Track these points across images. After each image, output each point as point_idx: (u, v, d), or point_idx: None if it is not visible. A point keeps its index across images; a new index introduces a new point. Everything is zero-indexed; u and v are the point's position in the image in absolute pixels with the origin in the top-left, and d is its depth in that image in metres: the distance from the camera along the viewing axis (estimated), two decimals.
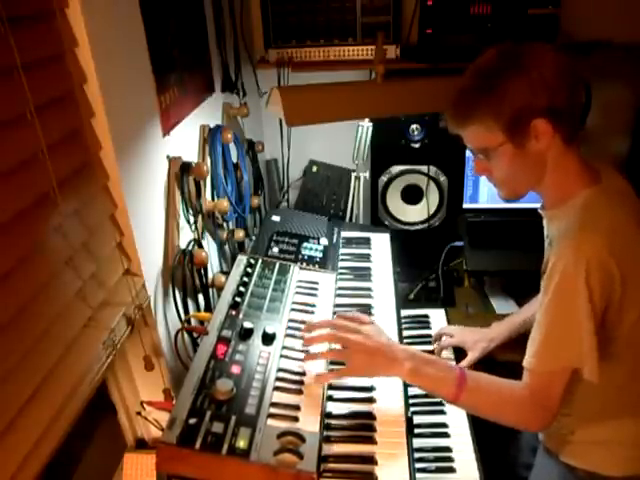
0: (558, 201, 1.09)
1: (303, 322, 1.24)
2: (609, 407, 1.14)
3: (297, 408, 1.02)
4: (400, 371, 1.09)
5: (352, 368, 1.11)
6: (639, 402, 1.14)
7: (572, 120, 1.04)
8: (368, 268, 1.60)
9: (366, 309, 1.42)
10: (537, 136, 1.01)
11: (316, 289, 1.40)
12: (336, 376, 1.14)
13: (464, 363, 1.42)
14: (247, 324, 1.16)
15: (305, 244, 1.59)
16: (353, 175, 1.98)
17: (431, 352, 1.49)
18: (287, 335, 1.19)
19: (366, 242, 1.73)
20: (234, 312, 1.22)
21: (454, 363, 1.43)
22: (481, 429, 1.31)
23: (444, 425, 1.31)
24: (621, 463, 1.15)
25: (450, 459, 1.23)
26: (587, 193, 1.04)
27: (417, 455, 1.20)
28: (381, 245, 1.72)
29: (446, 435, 1.29)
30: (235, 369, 1.06)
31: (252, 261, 1.41)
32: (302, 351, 1.16)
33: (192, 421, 0.93)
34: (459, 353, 1.48)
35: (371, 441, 1.06)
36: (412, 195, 1.96)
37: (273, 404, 1.01)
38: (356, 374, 1.14)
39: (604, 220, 1.01)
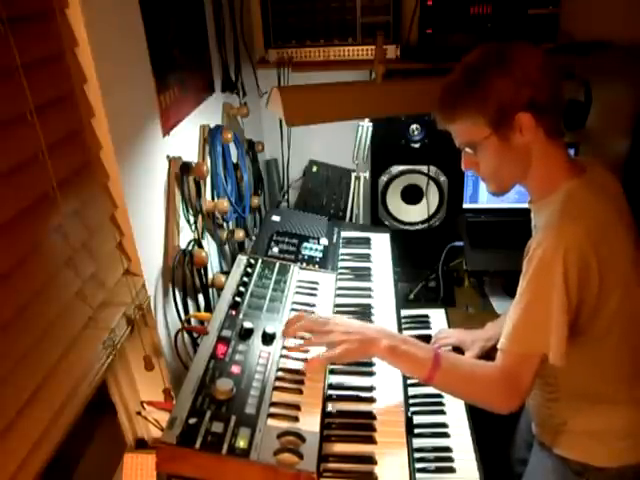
0: (544, 193, 1.12)
1: (295, 346, 1.20)
2: (597, 393, 1.15)
3: (297, 408, 1.02)
4: (378, 349, 1.10)
5: (339, 355, 1.11)
6: (629, 390, 1.15)
7: (555, 115, 1.08)
8: (368, 268, 1.60)
9: (366, 309, 1.42)
10: (521, 129, 1.05)
11: (316, 289, 1.40)
12: (325, 360, 1.13)
13: None
14: (247, 324, 1.16)
15: (305, 244, 1.59)
16: (353, 175, 1.98)
17: None
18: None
19: (366, 242, 1.73)
20: (234, 312, 1.22)
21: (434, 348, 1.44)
22: (481, 429, 1.31)
23: (444, 425, 1.32)
24: (614, 454, 1.16)
25: (450, 459, 1.23)
26: (570, 184, 1.08)
27: (417, 455, 1.20)
28: (381, 245, 1.72)
29: (446, 435, 1.29)
30: (235, 369, 1.06)
31: (252, 261, 1.41)
32: (302, 351, 1.16)
33: (192, 421, 0.93)
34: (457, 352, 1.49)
35: (371, 441, 1.06)
36: (412, 195, 1.96)
37: (273, 404, 1.01)
38: (342, 360, 1.14)
39: (585, 210, 1.04)
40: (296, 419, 1.00)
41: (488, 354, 1.44)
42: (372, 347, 1.11)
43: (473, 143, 1.11)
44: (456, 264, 1.92)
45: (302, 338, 1.18)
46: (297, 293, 1.35)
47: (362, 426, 1.09)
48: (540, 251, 1.02)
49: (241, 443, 0.91)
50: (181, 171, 1.30)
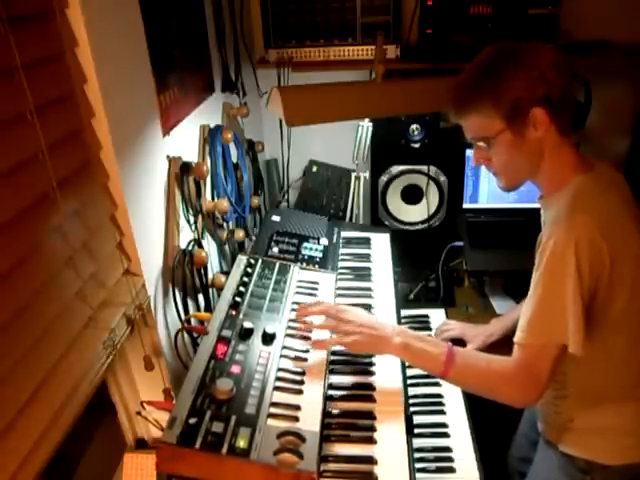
0: (553, 188, 1.14)
1: (303, 322, 1.24)
2: (604, 389, 1.15)
3: (297, 408, 1.02)
4: (390, 346, 1.15)
5: (349, 344, 1.16)
6: (634, 387, 1.15)
7: (567, 112, 1.10)
8: (368, 268, 1.60)
9: (366, 309, 1.42)
10: (535, 124, 1.07)
11: (316, 289, 1.40)
12: (335, 342, 1.19)
13: None
14: (247, 324, 1.16)
15: (305, 244, 1.59)
16: (353, 175, 1.98)
17: None
18: (287, 335, 1.19)
19: (366, 242, 1.73)
20: (234, 312, 1.22)
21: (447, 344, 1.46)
22: (481, 429, 1.31)
23: (444, 425, 1.32)
24: (619, 451, 1.16)
25: (450, 459, 1.23)
26: (580, 179, 1.10)
27: (417, 455, 1.20)
28: (381, 245, 1.72)
29: (446, 435, 1.29)
30: (235, 369, 1.06)
31: (252, 261, 1.41)
32: (302, 351, 1.17)
33: (192, 421, 0.93)
34: (458, 345, 1.49)
35: (371, 441, 1.06)
36: (412, 195, 1.96)
37: (273, 404, 1.01)
38: (352, 349, 1.19)
39: (595, 202, 1.06)
40: (296, 419, 1.00)
41: (489, 352, 1.45)
42: (385, 344, 1.15)
43: (486, 137, 1.12)
44: (456, 264, 1.92)
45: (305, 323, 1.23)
46: (297, 293, 1.35)
47: (362, 426, 1.09)
48: (552, 243, 1.03)
49: (241, 443, 0.91)
50: (181, 171, 1.30)
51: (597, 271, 1.02)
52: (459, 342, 1.50)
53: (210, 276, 1.43)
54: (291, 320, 1.24)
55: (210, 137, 1.47)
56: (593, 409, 1.17)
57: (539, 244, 1.10)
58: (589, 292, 1.03)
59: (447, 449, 1.26)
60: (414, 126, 1.87)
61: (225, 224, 1.59)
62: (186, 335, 1.32)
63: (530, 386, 1.07)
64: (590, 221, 1.02)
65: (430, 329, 1.61)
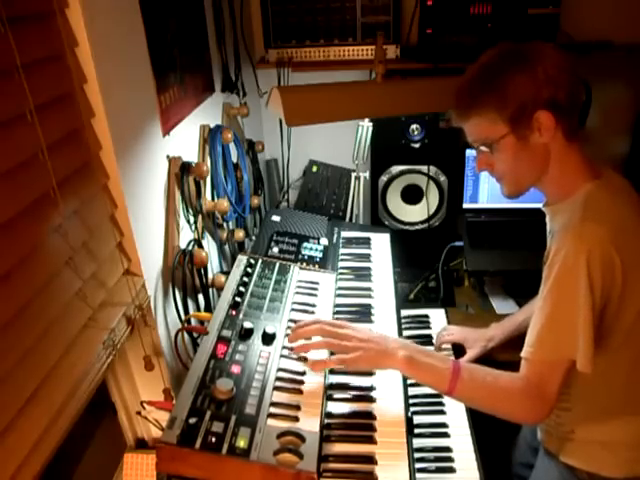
0: (560, 196, 1.10)
1: (299, 347, 1.18)
2: (610, 404, 1.14)
3: (297, 408, 1.02)
4: (394, 361, 1.08)
5: (351, 361, 1.09)
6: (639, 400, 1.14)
7: (573, 115, 1.06)
8: (368, 268, 1.60)
9: (366, 309, 1.42)
10: (540, 129, 1.03)
11: (316, 289, 1.40)
12: (336, 362, 1.10)
13: (463, 360, 1.43)
14: (247, 324, 1.16)
15: (305, 244, 1.59)
16: (353, 175, 1.98)
17: None
18: (287, 335, 1.19)
19: (366, 242, 1.73)
20: (234, 312, 1.22)
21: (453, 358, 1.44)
22: (481, 429, 1.31)
23: (444, 425, 1.31)
24: (622, 464, 1.14)
25: (450, 459, 1.23)
26: (589, 187, 1.06)
27: (417, 455, 1.20)
28: (381, 245, 1.72)
29: (446, 435, 1.29)
30: (235, 369, 1.06)
31: (252, 261, 1.41)
32: (305, 350, 1.16)
33: (192, 421, 0.93)
34: (458, 352, 1.49)
35: (371, 441, 1.06)
36: (412, 195, 1.96)
37: (273, 404, 1.01)
38: (354, 366, 1.11)
39: (605, 211, 1.02)
40: (296, 419, 1.00)
41: (490, 355, 1.45)
42: (389, 358, 1.09)
43: (489, 142, 1.08)
44: (456, 264, 1.92)
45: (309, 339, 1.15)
46: (297, 293, 1.35)
47: (362, 426, 1.09)
48: (561, 255, 0.99)
49: (241, 443, 0.91)
50: (181, 171, 1.30)
51: (609, 284, 0.99)
52: (459, 348, 1.50)
53: (210, 276, 1.43)
54: (291, 320, 1.24)
55: (210, 137, 1.47)
56: (596, 422, 1.15)
57: (547, 257, 1.06)
58: (600, 306, 1.00)
59: (447, 449, 1.25)
60: (414, 126, 1.87)
61: (225, 224, 1.59)
62: (186, 335, 1.32)
63: (539, 403, 1.03)
64: (602, 232, 0.98)
65: (430, 329, 1.61)
